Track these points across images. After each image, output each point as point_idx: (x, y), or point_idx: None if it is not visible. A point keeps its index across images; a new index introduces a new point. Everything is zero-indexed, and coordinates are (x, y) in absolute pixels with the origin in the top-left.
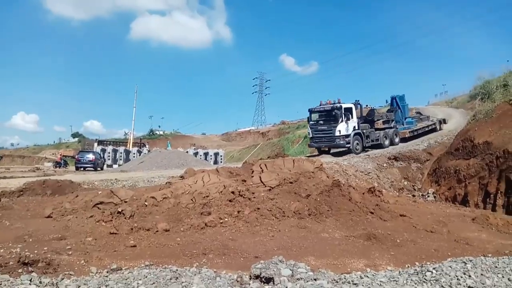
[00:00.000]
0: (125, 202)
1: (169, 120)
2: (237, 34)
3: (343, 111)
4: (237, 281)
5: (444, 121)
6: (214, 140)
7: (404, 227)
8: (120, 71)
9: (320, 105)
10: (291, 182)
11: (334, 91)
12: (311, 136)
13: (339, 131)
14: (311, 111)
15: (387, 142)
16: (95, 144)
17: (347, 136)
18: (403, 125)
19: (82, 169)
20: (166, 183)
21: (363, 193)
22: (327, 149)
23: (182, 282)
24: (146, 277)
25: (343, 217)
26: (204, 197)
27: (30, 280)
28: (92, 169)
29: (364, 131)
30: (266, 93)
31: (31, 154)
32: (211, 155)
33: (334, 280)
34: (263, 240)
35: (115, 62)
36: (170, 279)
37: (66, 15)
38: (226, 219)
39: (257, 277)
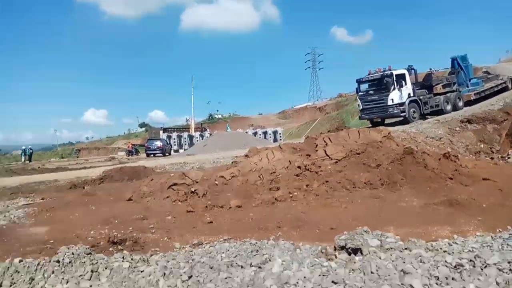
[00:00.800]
0: (197, 182)
1: (226, 104)
2: (285, 12)
3: (394, 78)
4: (322, 252)
5: None
6: (272, 119)
7: (489, 191)
8: (176, 61)
9: (368, 74)
10: (358, 153)
11: (391, 58)
12: (361, 108)
13: (392, 99)
14: (359, 82)
15: (449, 107)
16: (161, 132)
17: (401, 104)
18: (467, 87)
19: (152, 155)
20: (232, 162)
21: (439, 159)
22: (379, 120)
23: (264, 254)
24: (228, 250)
25: (419, 185)
26: (271, 173)
27: (123, 258)
28: (160, 155)
29: (421, 97)
30: (320, 67)
31: (104, 145)
32: (270, 134)
33: (428, 248)
34: (336, 212)
35: (170, 54)
36: (251, 251)
37: (120, 14)
38: (295, 193)
39: (342, 248)
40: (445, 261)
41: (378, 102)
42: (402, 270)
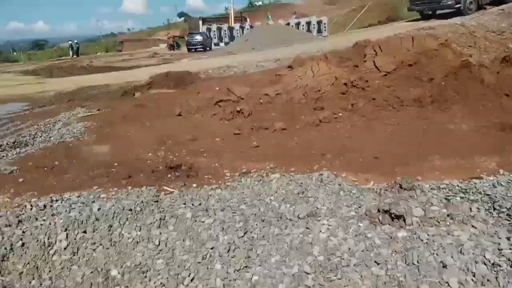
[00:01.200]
0: (242, 99)
1: None
2: None
3: None
4: (366, 215)
5: None
6: (317, 5)
7: None
8: None
9: None
10: (410, 65)
11: None
12: None
13: None
14: None
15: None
16: (200, 23)
17: None
18: None
19: (193, 50)
20: (276, 75)
21: (498, 72)
22: (430, 13)
23: (309, 198)
24: (276, 192)
25: (472, 104)
26: (316, 91)
27: (184, 204)
28: (202, 49)
29: None
30: None
31: (146, 37)
32: (313, 24)
33: (463, 189)
34: (381, 137)
35: None
36: (298, 193)
37: None
38: (340, 114)
39: (386, 212)
40: (484, 257)
41: None
42: (441, 262)
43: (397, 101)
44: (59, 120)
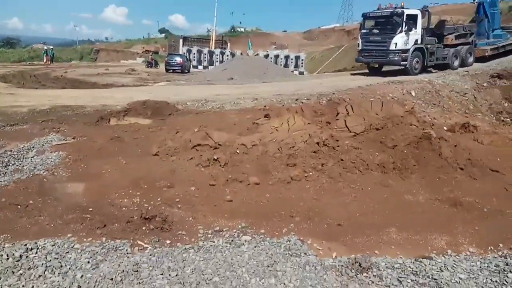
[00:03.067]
0: (220, 145)
1: (250, 17)
2: None
3: (404, 19)
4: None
5: None
6: (296, 39)
7: (495, 189)
8: None
9: (378, 9)
10: (377, 129)
11: None
12: (360, 48)
13: (395, 44)
14: (365, 17)
15: (456, 63)
16: (181, 41)
17: (405, 51)
18: (487, 39)
19: (171, 71)
20: (253, 123)
21: (455, 146)
22: (376, 66)
23: (277, 271)
24: (248, 263)
25: (429, 175)
26: (290, 147)
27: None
28: (179, 71)
29: (429, 46)
30: None
31: (123, 48)
32: (291, 59)
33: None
34: (346, 202)
35: None
36: (267, 266)
37: None
38: (310, 173)
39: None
40: None
41: (379, 44)
42: None
43: (363, 164)
44: (32, 147)
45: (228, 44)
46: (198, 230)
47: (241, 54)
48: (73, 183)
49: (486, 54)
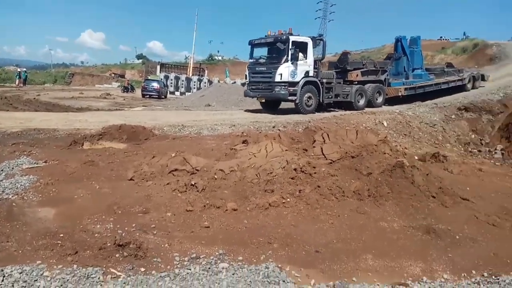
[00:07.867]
0: (197, 170)
1: (228, 46)
2: None
3: (290, 46)
4: None
5: (482, 77)
6: None
7: (466, 217)
8: None
9: (266, 36)
10: (352, 157)
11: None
12: (248, 81)
13: (280, 74)
14: (252, 45)
15: (361, 102)
16: (158, 67)
17: (293, 84)
18: (406, 78)
19: (148, 96)
20: (231, 149)
21: (427, 174)
22: (263, 101)
23: None
24: None
25: (403, 202)
26: (268, 173)
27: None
28: (156, 97)
29: (325, 80)
30: (330, 18)
31: (99, 73)
32: None
33: None
34: (323, 228)
35: None
36: None
37: None
38: (288, 199)
39: None
40: None
41: (264, 76)
42: None
43: (340, 191)
44: (1, 170)
45: (206, 71)
46: (174, 257)
47: (219, 81)
48: (43, 208)
49: (400, 94)
